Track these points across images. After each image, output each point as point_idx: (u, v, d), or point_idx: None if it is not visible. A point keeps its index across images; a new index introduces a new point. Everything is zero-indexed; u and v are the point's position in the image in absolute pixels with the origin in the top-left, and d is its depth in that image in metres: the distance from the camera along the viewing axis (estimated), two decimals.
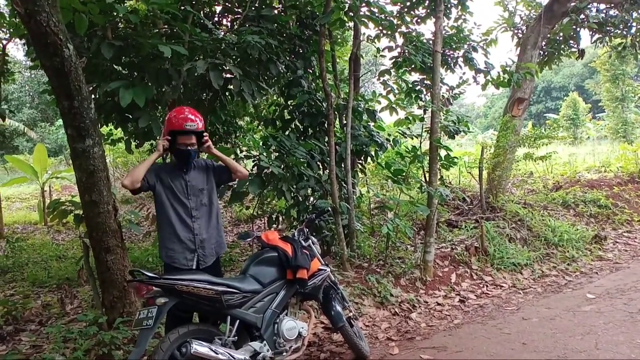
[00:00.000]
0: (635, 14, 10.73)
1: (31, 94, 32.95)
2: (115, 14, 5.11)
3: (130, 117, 5.87)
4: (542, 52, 11.33)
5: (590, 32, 11.18)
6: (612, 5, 10.84)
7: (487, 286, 6.59)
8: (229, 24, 7.41)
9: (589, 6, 10.57)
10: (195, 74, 5.49)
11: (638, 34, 11.20)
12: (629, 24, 10.96)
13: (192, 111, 3.95)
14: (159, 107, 6.48)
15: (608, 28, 11.05)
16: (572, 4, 10.07)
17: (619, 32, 11.24)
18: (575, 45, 11.61)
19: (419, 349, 4.72)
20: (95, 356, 4.28)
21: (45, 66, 4.13)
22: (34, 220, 12.98)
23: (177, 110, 3.94)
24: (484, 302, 6.07)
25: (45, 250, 8.99)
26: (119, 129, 6.70)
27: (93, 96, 5.28)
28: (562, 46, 11.65)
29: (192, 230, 3.87)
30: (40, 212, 12.58)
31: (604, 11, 11.10)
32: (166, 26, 6.06)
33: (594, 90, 38.85)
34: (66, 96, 4.17)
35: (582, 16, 10.03)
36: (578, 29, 10.85)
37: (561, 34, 11.15)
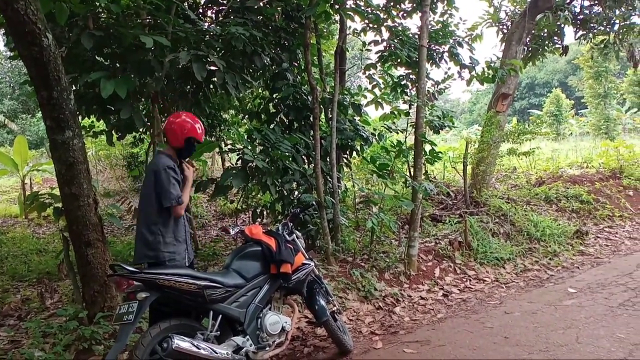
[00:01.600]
0: (617, 12, 10.83)
1: (12, 85, 32.38)
2: (97, 3, 5.01)
3: (112, 108, 5.77)
4: (526, 48, 11.40)
5: (574, 29, 11.26)
6: (596, 2, 10.93)
7: (470, 280, 6.63)
8: (213, 15, 7.32)
9: (572, 3, 10.65)
10: (178, 66, 5.42)
11: (620, 31, 11.30)
12: (611, 21, 11.06)
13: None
14: (142, 99, 6.39)
15: (591, 25, 11.14)
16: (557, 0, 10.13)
17: (602, 29, 11.34)
18: (559, 42, 11.70)
19: (403, 342, 4.72)
20: (75, 351, 4.22)
21: (24, 56, 4.04)
22: (14, 214, 12.76)
23: (193, 119, 3.88)
24: (467, 296, 6.10)
25: (25, 243, 8.85)
26: (101, 121, 6.60)
27: (73, 87, 5.19)
28: (546, 42, 11.73)
29: (184, 225, 3.86)
30: (20, 205, 12.37)
31: (588, 8, 11.18)
32: (149, 17, 5.96)
33: (577, 87, 39.35)
34: (45, 86, 4.08)
35: (566, 12, 10.07)
36: (562, 26, 10.92)
37: (545, 30, 11.22)
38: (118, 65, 5.81)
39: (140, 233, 3.69)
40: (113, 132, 6.64)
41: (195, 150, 3.97)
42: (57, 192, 4.77)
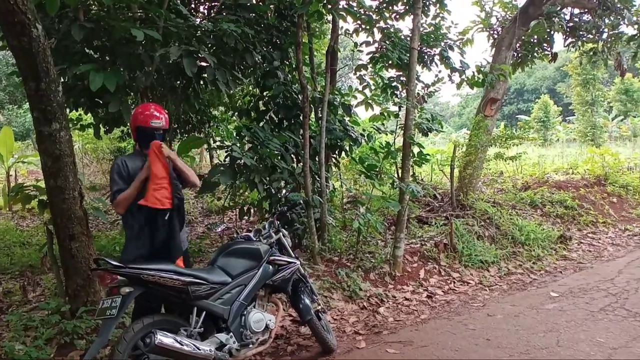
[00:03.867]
0: (607, 20, 10.95)
1: None
2: None
3: (100, 102, 5.72)
4: (516, 54, 11.48)
5: (564, 36, 11.38)
6: (586, 10, 11.05)
7: (454, 282, 6.68)
8: (205, 11, 7.29)
9: (563, 10, 10.75)
10: (169, 61, 5.39)
11: (609, 39, 11.44)
12: (600, 30, 11.18)
13: (158, 108, 3.83)
14: (131, 93, 6.35)
15: (581, 33, 11.26)
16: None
17: (591, 37, 11.46)
18: (549, 49, 11.81)
19: (386, 343, 4.75)
20: (56, 345, 4.19)
21: (12, 46, 3.99)
22: None
23: (143, 107, 3.90)
24: (451, 298, 6.14)
25: (8, 236, 8.73)
26: (89, 114, 6.54)
27: (62, 79, 5.14)
28: (536, 49, 11.83)
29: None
30: (4, 197, 12.19)
31: (578, 16, 11.30)
32: (140, 10, 5.92)
33: (565, 94, 39.80)
34: (33, 77, 4.04)
35: (556, 19, 10.16)
36: (552, 33, 11.02)
37: (535, 37, 11.32)
38: (108, 58, 5.76)
39: None
40: (101, 125, 6.60)
41: (148, 138, 3.65)
42: (42, 184, 4.73)
